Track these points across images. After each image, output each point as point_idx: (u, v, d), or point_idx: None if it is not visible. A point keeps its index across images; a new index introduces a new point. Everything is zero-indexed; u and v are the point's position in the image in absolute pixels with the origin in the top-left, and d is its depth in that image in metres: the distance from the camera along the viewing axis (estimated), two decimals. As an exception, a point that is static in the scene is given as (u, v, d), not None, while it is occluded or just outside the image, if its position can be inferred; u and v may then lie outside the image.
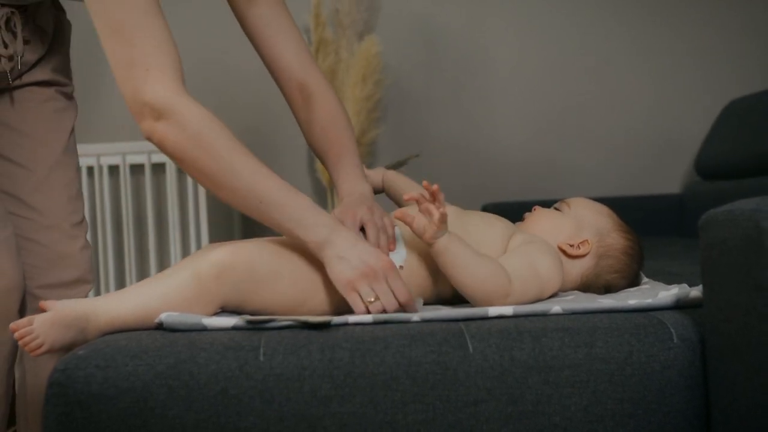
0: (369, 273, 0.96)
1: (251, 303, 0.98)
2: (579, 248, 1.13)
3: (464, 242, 1.01)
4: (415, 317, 0.95)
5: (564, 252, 1.13)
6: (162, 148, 0.99)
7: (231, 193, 0.98)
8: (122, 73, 0.98)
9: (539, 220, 1.17)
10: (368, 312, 0.96)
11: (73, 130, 1.33)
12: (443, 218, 0.98)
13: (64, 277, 1.29)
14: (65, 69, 1.33)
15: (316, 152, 1.26)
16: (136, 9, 0.97)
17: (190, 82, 2.90)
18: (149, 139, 0.99)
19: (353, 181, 1.17)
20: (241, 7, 1.20)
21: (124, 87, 0.98)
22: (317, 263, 1.01)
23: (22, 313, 1.22)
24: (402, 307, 0.97)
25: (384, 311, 0.96)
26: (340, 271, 0.96)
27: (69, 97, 1.33)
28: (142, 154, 2.52)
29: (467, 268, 0.99)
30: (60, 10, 1.31)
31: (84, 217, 1.34)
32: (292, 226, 0.98)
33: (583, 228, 1.14)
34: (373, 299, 0.96)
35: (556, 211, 1.18)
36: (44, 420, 0.84)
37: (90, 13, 0.99)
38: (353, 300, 0.96)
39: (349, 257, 0.96)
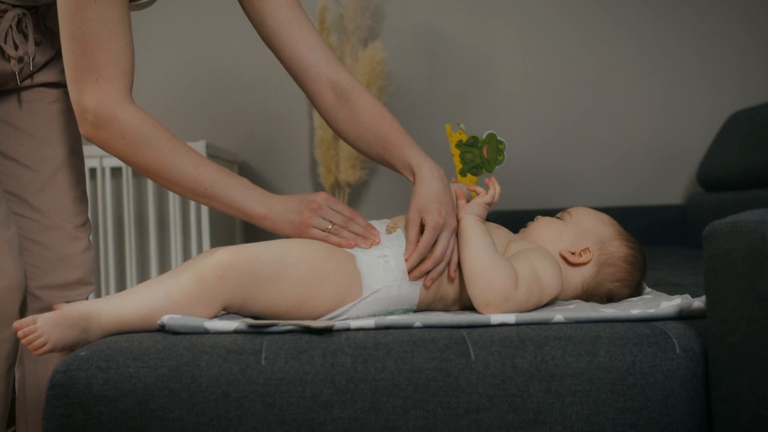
0: (314, 206, 1.07)
1: (254, 303, 0.98)
2: (580, 256, 1.13)
3: (489, 234, 1.08)
4: (417, 323, 0.95)
5: (565, 259, 1.13)
6: (105, 151, 1.08)
7: (177, 185, 1.08)
8: (72, 77, 1.05)
9: (541, 228, 1.18)
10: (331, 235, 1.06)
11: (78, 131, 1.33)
12: (489, 202, 1.12)
13: (65, 279, 1.29)
14: None
15: (367, 144, 1.22)
16: (97, 19, 1.02)
17: (195, 89, 2.91)
18: (90, 141, 1.08)
19: (426, 160, 1.15)
20: (259, 11, 1.21)
21: (71, 91, 1.06)
22: (318, 263, 1.02)
23: (22, 313, 1.22)
24: (352, 219, 1.07)
25: (343, 228, 1.06)
26: (290, 222, 1.08)
27: None
28: (145, 156, 2.52)
29: (482, 251, 1.04)
30: None
31: (88, 218, 1.35)
32: (237, 204, 1.08)
33: (584, 236, 1.15)
34: (330, 226, 1.07)
35: (558, 220, 1.18)
36: (45, 421, 0.84)
37: (58, 14, 1.05)
38: (314, 234, 1.07)
39: (291, 208, 1.08)
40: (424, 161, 1.14)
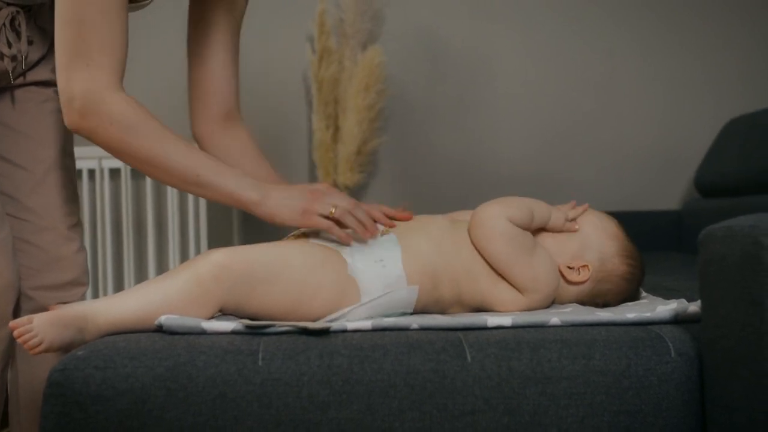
0: (317, 194, 1.06)
1: (250, 304, 0.98)
2: (579, 272, 1.11)
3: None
4: (414, 325, 0.95)
5: (563, 276, 1.11)
6: (91, 140, 1.06)
7: (167, 173, 1.06)
8: (63, 61, 1.04)
9: (542, 234, 1.15)
10: (335, 223, 1.04)
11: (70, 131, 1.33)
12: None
13: (59, 279, 1.28)
14: None
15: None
16: (96, 4, 1.02)
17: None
18: (75, 131, 1.06)
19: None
20: (200, 28, 1.25)
21: (59, 76, 1.04)
22: (314, 267, 1.02)
23: (16, 314, 1.22)
24: (354, 208, 1.06)
25: (347, 214, 1.04)
26: (291, 209, 1.05)
27: None
28: (144, 158, 2.53)
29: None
30: None
31: (80, 219, 1.34)
32: (232, 189, 1.06)
33: (586, 251, 1.12)
34: (334, 209, 1.04)
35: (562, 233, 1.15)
36: (42, 420, 0.85)
37: None
38: (317, 222, 1.04)
39: (291, 196, 1.06)
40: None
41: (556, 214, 1.15)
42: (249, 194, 1.06)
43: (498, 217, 1.07)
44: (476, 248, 1.09)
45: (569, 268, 1.11)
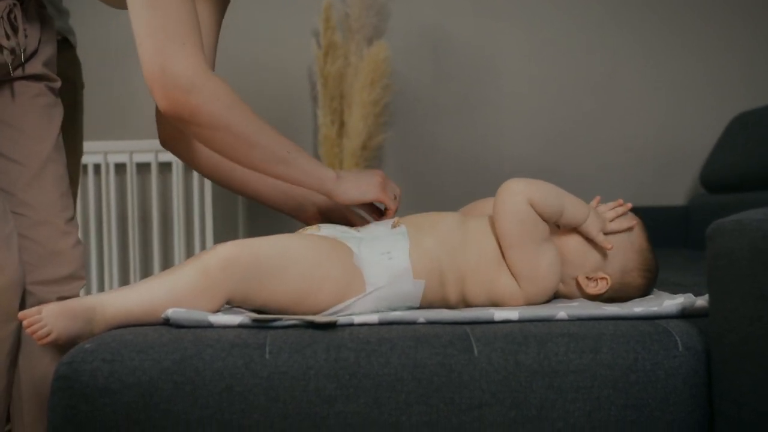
0: (382, 180, 1.19)
1: (256, 296, 0.98)
2: (597, 284, 1.09)
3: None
4: (421, 319, 0.95)
5: (580, 287, 1.10)
6: (190, 120, 1.05)
7: (261, 149, 1.09)
8: (155, 43, 1.02)
9: (568, 237, 1.10)
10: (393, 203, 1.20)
11: (60, 126, 1.33)
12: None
13: (57, 274, 1.28)
14: (53, 64, 1.34)
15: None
16: None
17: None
18: (174, 113, 1.04)
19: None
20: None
21: (152, 58, 1.03)
22: (320, 258, 1.02)
23: (22, 309, 1.22)
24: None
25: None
26: (369, 182, 1.17)
27: (56, 93, 1.34)
28: (150, 152, 2.53)
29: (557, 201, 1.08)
30: (42, 7, 1.32)
31: (75, 214, 1.34)
32: (314, 166, 1.13)
33: (609, 262, 1.09)
34: (395, 197, 1.20)
35: (584, 240, 1.10)
36: (49, 413, 0.85)
37: None
38: (387, 198, 1.19)
39: (363, 173, 1.19)
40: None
41: (593, 219, 1.08)
42: (328, 170, 1.14)
43: (517, 193, 1.04)
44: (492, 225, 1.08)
45: (588, 279, 1.10)
